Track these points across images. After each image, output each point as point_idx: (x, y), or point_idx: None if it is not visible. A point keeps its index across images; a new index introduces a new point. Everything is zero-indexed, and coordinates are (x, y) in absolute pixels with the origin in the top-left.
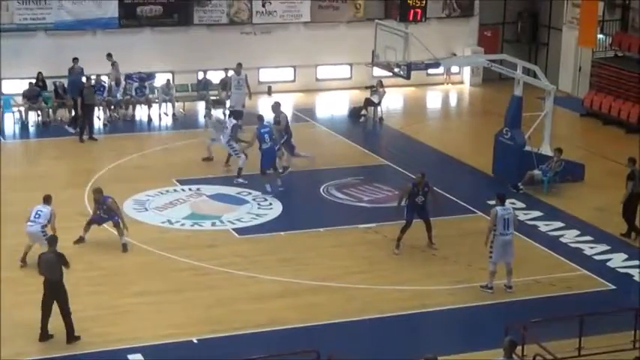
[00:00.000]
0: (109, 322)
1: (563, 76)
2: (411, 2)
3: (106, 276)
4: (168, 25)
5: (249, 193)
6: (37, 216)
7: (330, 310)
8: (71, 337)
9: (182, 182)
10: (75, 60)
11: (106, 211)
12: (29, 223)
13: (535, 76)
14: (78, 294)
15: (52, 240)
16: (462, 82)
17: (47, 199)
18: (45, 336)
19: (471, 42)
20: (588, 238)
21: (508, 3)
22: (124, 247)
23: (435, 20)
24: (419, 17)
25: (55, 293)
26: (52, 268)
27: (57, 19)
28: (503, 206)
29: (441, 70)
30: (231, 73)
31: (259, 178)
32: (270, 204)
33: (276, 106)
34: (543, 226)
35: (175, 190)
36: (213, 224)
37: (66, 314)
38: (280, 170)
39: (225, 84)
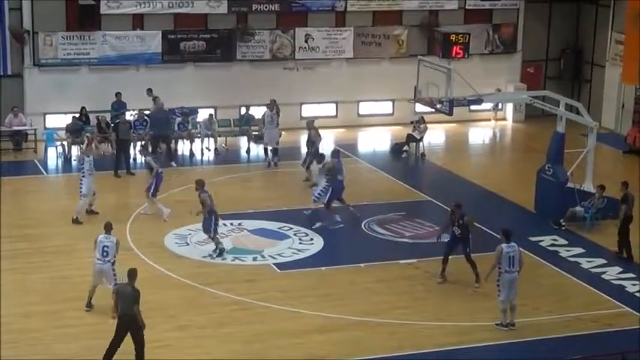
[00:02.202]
0: (149, 356)
1: (606, 113)
2: (453, 39)
3: (146, 310)
4: (211, 60)
5: (291, 228)
6: (104, 254)
7: (370, 345)
8: None
9: (223, 217)
10: (150, 94)
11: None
12: (98, 261)
13: (578, 112)
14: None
15: (132, 274)
16: (504, 119)
17: (108, 228)
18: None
19: (513, 78)
20: (630, 275)
21: (551, 39)
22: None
23: (477, 56)
24: (461, 54)
25: (129, 326)
26: (127, 301)
27: (100, 54)
28: (508, 243)
29: (484, 106)
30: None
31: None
32: (312, 239)
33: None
34: (585, 263)
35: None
36: (255, 259)
37: (140, 346)
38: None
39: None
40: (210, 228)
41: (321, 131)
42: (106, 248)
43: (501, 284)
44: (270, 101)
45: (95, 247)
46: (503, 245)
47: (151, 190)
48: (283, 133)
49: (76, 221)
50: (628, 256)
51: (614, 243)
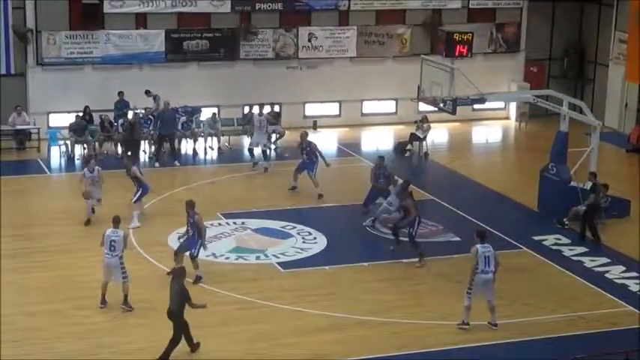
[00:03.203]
0: (152, 354)
1: (609, 112)
2: (457, 38)
3: (150, 309)
4: (214, 59)
5: (294, 227)
6: (112, 248)
7: (373, 344)
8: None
9: (227, 216)
10: (150, 94)
11: (192, 225)
12: (106, 256)
13: (581, 111)
14: (125, 326)
15: (181, 271)
16: (507, 118)
17: (116, 222)
18: (193, 345)
19: (516, 77)
20: (634, 274)
21: (555, 38)
22: (197, 279)
23: (480, 55)
24: (465, 53)
25: (171, 319)
26: (173, 297)
27: (104, 54)
28: (483, 244)
29: (487, 105)
30: (277, 107)
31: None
32: (315, 238)
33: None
34: (589, 262)
35: (220, 224)
36: (258, 258)
37: (173, 341)
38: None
39: (274, 117)
40: (195, 247)
41: (324, 130)
42: (113, 243)
43: (475, 284)
44: (259, 105)
45: (103, 241)
46: (479, 246)
47: (136, 197)
48: (287, 132)
49: (87, 223)
50: (596, 239)
51: (617, 241)
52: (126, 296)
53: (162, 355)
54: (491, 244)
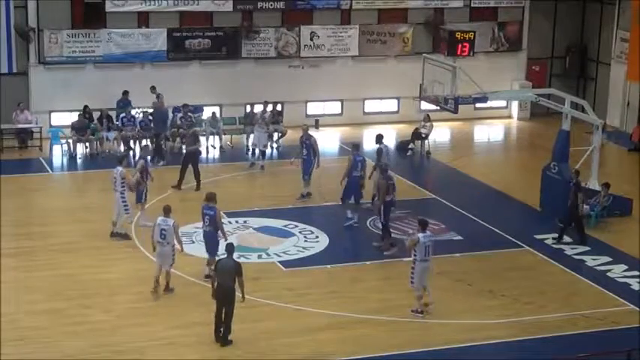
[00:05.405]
0: (155, 354)
1: (611, 111)
2: (459, 36)
3: (152, 307)
4: (216, 58)
5: (296, 226)
6: (162, 236)
7: (375, 343)
8: (225, 340)
9: (229, 215)
10: (154, 91)
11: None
12: (158, 244)
13: (583, 110)
14: (126, 325)
15: (230, 248)
16: (509, 117)
17: (167, 211)
18: (218, 337)
19: (519, 76)
20: (636, 272)
21: (557, 37)
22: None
23: (482, 54)
24: (467, 51)
25: (225, 298)
26: (226, 274)
27: (106, 52)
28: (424, 233)
29: (489, 104)
30: (279, 106)
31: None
32: (317, 237)
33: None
34: (591, 261)
35: (222, 223)
36: (260, 257)
37: (229, 318)
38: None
39: (275, 116)
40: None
41: (326, 129)
42: (163, 231)
43: (416, 273)
44: (263, 103)
45: (153, 230)
46: (420, 235)
47: (142, 198)
48: (289, 131)
49: (125, 236)
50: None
51: (620, 241)
52: (167, 283)
53: (224, 336)
54: (493, 242)
